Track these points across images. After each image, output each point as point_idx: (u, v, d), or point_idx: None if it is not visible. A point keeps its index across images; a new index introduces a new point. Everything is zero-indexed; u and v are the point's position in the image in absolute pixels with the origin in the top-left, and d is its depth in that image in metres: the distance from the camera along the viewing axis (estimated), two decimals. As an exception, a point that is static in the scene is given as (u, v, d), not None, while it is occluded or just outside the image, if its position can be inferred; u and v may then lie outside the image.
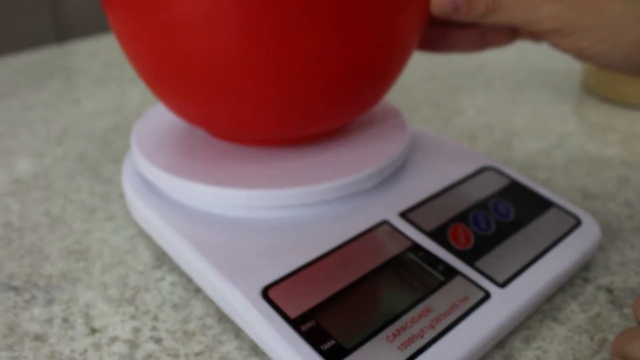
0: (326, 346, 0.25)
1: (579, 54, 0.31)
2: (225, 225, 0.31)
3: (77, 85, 0.61)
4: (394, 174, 0.36)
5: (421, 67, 0.63)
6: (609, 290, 0.31)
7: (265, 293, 0.27)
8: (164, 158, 0.34)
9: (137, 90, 0.60)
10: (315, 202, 0.32)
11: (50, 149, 0.48)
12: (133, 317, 0.30)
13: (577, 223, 0.33)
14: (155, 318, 0.30)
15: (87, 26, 1.00)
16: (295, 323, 0.26)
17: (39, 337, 0.29)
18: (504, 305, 0.28)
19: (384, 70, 0.31)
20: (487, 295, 0.28)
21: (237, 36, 0.26)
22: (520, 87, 0.58)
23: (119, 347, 0.29)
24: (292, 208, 0.32)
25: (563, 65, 0.63)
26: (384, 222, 0.32)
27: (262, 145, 0.34)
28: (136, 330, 0.30)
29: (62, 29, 0.97)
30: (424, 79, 0.59)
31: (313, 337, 0.25)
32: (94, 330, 0.30)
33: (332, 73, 0.28)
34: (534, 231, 0.32)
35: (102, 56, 0.70)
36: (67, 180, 0.43)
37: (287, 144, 0.34)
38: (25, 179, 0.43)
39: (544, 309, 0.30)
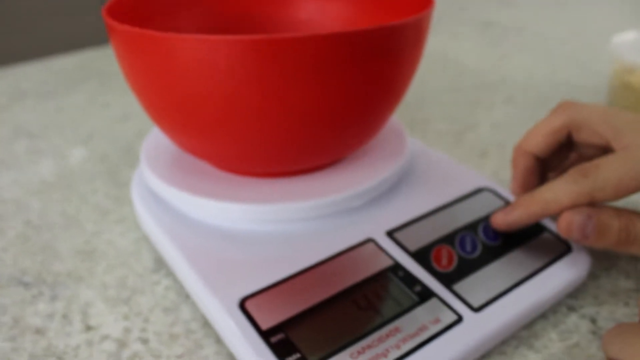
0: (291, 359, 0.26)
1: None
2: (217, 236, 0.33)
3: (109, 89, 0.64)
4: (387, 192, 0.36)
5: (443, 79, 0.63)
6: (593, 320, 0.31)
7: (243, 304, 0.28)
8: (165, 169, 0.35)
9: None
10: (302, 218, 0.33)
11: (75, 151, 0.50)
12: (126, 318, 0.32)
13: (567, 250, 0.32)
14: (146, 320, 0.32)
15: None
16: (266, 335, 0.27)
17: (39, 331, 0.31)
18: (474, 330, 0.28)
19: (376, 114, 0.32)
20: (459, 319, 0.28)
21: (230, 83, 0.27)
22: (543, 102, 0.57)
23: (109, 345, 0.30)
24: (281, 223, 0.33)
25: (590, 82, 0.61)
26: (370, 240, 0.32)
27: (261, 177, 0.35)
28: (127, 330, 0.31)
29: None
30: (444, 91, 0.59)
31: (280, 350, 0.26)
32: (89, 328, 0.32)
33: (321, 119, 0.29)
34: (520, 256, 0.32)
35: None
36: (86, 182, 0.46)
37: (284, 176, 0.35)
38: (49, 180, 0.46)
39: (521, 335, 0.30)
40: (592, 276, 0.34)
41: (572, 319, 0.31)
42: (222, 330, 0.28)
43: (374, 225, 0.33)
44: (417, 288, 0.30)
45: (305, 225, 0.33)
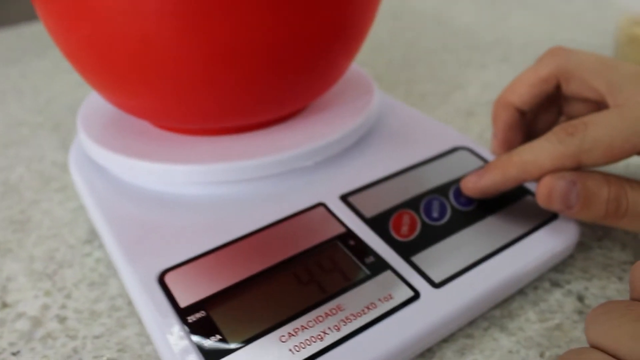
0: (208, 342, 0.22)
1: None
2: (150, 202, 0.29)
3: (78, 55, 0.60)
4: (346, 151, 0.32)
5: (434, 40, 0.58)
6: (580, 298, 0.26)
7: (162, 277, 0.24)
8: (100, 131, 0.31)
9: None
10: (243, 179, 0.28)
11: (31, 118, 0.47)
12: (47, 294, 0.28)
13: (552, 216, 0.28)
14: (68, 296, 0.28)
15: None
16: (183, 313, 0.23)
17: (-51, 308, 0.28)
18: (433, 308, 0.23)
19: (327, 58, 0.27)
20: (415, 296, 0.24)
21: (165, 20, 0.23)
22: (544, 62, 0.51)
23: (22, 324, 0.27)
24: (220, 185, 0.29)
25: (595, 40, 0.55)
26: (320, 205, 0.28)
27: (204, 135, 0.31)
28: (45, 308, 0.28)
29: None
30: (433, 52, 0.54)
31: (197, 330, 0.22)
32: (4, 305, 0.28)
33: (261, 61, 0.25)
34: (497, 223, 0.27)
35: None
36: (34, 149, 0.42)
37: (230, 133, 0.31)
38: (-5, 146, 0.42)
39: (494, 315, 0.25)
40: (581, 246, 0.29)
41: (556, 296, 0.26)
42: (138, 307, 0.24)
43: (328, 188, 0.29)
44: (369, 259, 0.25)
45: (249, 189, 0.29)
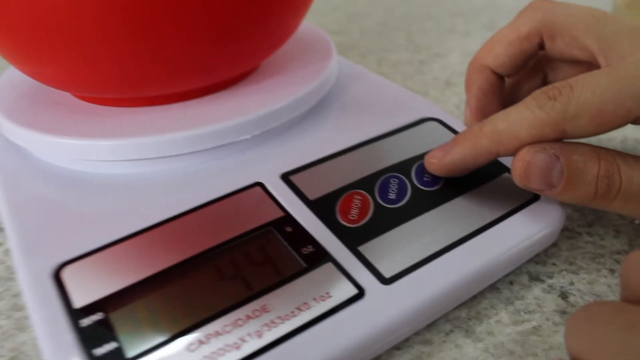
0: (100, 351, 0.18)
1: None
2: (62, 182, 0.24)
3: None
4: (293, 124, 0.27)
5: (414, 6, 0.53)
6: (564, 295, 0.22)
7: (59, 272, 0.20)
8: (12, 105, 0.27)
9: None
10: (168, 156, 0.24)
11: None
12: (-60, 290, 0.24)
13: (533, 197, 0.23)
14: (-36, 293, 0.24)
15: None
16: (77, 314, 0.19)
17: None
18: (380, 309, 0.19)
19: (261, 16, 0.23)
20: (359, 294, 0.19)
21: None
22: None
23: None
24: (144, 164, 0.24)
25: (591, 4, 0.50)
26: (257, 185, 0.24)
27: (131, 106, 0.26)
28: None
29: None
30: (412, 19, 0.49)
31: (90, 336, 0.18)
32: None
33: (182, 16, 0.20)
34: (466, 205, 0.23)
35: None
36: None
37: (159, 103, 0.26)
38: None
39: (458, 316, 0.21)
40: (566, 233, 0.25)
41: (535, 292, 0.22)
42: (28, 306, 0.20)
43: (268, 166, 0.25)
44: (307, 249, 0.21)
45: (174, 167, 0.25)
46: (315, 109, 0.28)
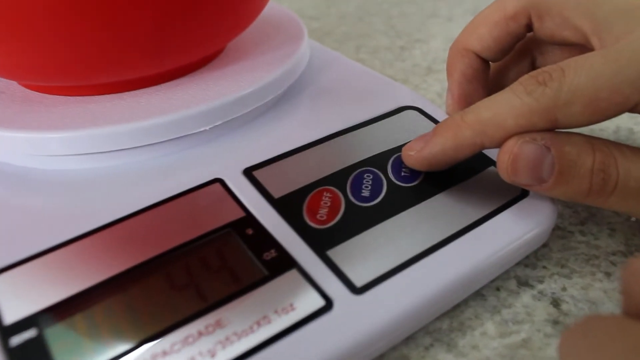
0: (28, 375, 0.15)
1: None
2: (7, 179, 0.22)
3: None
4: (258, 114, 0.25)
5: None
6: (556, 302, 0.20)
7: (-15, 283, 0.18)
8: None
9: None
10: (116, 150, 0.21)
11: None
12: None
13: (522, 193, 0.21)
14: None
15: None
16: (6, 332, 0.16)
17: None
18: (350, 322, 0.17)
19: None
20: (327, 306, 0.17)
21: None
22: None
23: None
24: (91, 158, 0.22)
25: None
26: (216, 181, 0.21)
27: (83, 95, 0.24)
28: None
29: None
30: (393, 4, 0.47)
31: (21, 357, 0.15)
32: None
33: None
34: (447, 203, 0.21)
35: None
36: None
37: (116, 91, 0.24)
38: None
39: (439, 328, 0.19)
40: (558, 232, 0.22)
41: (524, 299, 0.20)
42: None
43: (230, 160, 0.22)
44: (270, 254, 0.18)
45: (124, 162, 0.22)
46: (284, 98, 0.26)
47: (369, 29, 0.42)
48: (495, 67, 0.25)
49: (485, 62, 0.24)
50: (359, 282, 0.18)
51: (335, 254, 0.19)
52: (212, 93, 0.23)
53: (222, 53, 0.26)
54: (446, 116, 0.25)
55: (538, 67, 0.24)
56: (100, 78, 0.22)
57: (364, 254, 0.19)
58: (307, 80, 0.27)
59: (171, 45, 0.22)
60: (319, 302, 0.17)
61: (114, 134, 0.21)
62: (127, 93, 0.23)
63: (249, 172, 0.21)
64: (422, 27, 0.42)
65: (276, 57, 0.25)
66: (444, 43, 0.39)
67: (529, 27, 0.23)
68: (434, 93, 0.32)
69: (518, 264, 0.21)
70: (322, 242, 0.19)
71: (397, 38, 0.40)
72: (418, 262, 0.18)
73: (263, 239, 0.19)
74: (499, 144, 0.19)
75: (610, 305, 0.19)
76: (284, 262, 0.18)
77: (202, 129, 0.22)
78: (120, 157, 0.22)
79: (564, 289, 0.20)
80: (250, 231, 0.19)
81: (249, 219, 0.20)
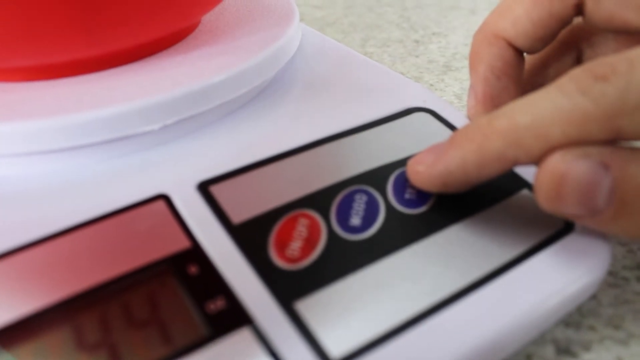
0: None
1: None
2: None
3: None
4: (232, 111, 0.20)
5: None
6: (610, 383, 0.14)
7: None
8: None
9: None
10: (30, 152, 0.16)
11: None
12: None
13: (566, 227, 0.16)
14: None
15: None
16: None
17: None
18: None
19: None
20: (288, 386, 0.12)
21: None
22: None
23: None
24: (6, 163, 0.17)
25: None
26: (160, 198, 0.16)
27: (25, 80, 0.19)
28: None
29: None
30: (412, -4, 0.42)
31: None
32: None
33: None
34: (465, 238, 0.15)
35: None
36: None
37: (58, 75, 0.19)
38: None
39: (448, 414, 0.13)
40: (609, 279, 0.17)
41: (565, 375, 0.14)
42: None
43: (182, 170, 0.17)
44: (216, 304, 0.13)
45: (51, 169, 0.17)
46: (264, 93, 0.21)
47: (380, 19, 0.36)
48: (531, 60, 0.20)
49: (519, 53, 0.19)
50: (335, 352, 0.13)
51: (307, 307, 0.13)
52: (166, 82, 0.18)
53: (192, 34, 0.22)
54: (467, 121, 0.19)
55: (585, 62, 0.19)
56: (15, 59, 0.17)
57: (347, 309, 0.13)
58: (296, 72, 0.22)
59: (113, 18, 0.17)
60: (276, 381, 0.12)
61: (28, 132, 0.16)
62: (61, 80, 0.18)
63: (204, 188, 0.16)
64: (441, 20, 0.36)
65: (256, 40, 0.20)
66: (465, 38, 0.33)
67: (579, 7, 0.17)
68: (452, 94, 0.27)
69: (557, 323, 0.16)
70: (291, 290, 0.14)
71: (412, 31, 0.35)
72: (422, 324, 0.13)
73: (210, 281, 0.14)
74: (537, 160, 0.14)
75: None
76: (235, 317, 0.13)
77: (148, 129, 0.17)
78: (39, 163, 0.17)
79: (619, 358, 0.15)
80: (194, 269, 0.14)
81: (194, 252, 0.15)
